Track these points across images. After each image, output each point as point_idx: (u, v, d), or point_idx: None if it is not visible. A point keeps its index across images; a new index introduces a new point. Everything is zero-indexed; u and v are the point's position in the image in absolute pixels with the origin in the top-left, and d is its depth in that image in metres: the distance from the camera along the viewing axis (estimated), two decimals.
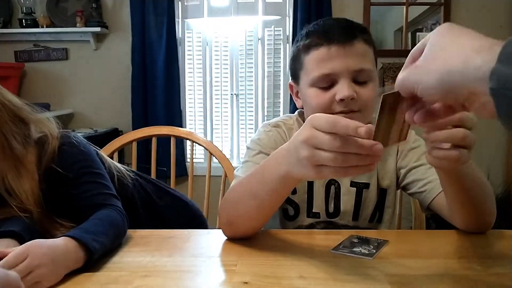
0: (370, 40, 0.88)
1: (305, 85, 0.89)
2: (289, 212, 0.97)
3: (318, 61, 0.85)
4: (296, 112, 1.01)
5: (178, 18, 2.76)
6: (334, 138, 0.53)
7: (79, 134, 0.93)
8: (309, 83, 0.88)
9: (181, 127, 2.63)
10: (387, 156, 0.96)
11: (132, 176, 1.03)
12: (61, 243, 0.65)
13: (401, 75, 0.49)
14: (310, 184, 0.96)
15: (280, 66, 2.81)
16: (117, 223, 0.79)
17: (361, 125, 0.51)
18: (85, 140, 0.92)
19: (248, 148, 0.97)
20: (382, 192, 0.97)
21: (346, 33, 0.84)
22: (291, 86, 0.97)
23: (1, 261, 0.58)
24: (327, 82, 0.85)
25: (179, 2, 2.77)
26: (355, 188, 0.95)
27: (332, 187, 0.95)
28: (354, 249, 0.73)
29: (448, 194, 0.77)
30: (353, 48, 0.83)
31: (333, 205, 0.96)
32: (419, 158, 0.92)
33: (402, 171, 0.95)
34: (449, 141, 0.59)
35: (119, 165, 1.03)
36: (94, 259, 0.67)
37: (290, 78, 0.98)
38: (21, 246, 0.61)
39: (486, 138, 2.73)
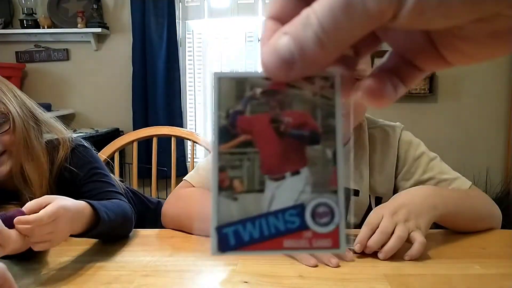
0: None
1: None
2: None
3: None
4: None
5: (179, 19, 2.76)
6: None
7: (80, 134, 0.96)
8: None
9: (182, 127, 2.63)
10: (383, 162, 0.93)
11: (124, 186, 1.06)
12: (82, 204, 0.70)
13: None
14: None
15: None
16: (126, 210, 0.83)
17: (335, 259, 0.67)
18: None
19: None
20: (377, 200, 0.94)
21: None
22: None
23: (26, 205, 0.62)
24: None
25: (180, 3, 2.77)
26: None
27: None
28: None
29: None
30: None
31: None
32: (425, 170, 0.90)
33: (406, 184, 0.91)
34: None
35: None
36: (99, 228, 0.71)
37: None
38: (47, 197, 0.65)
39: (485, 137, 2.73)
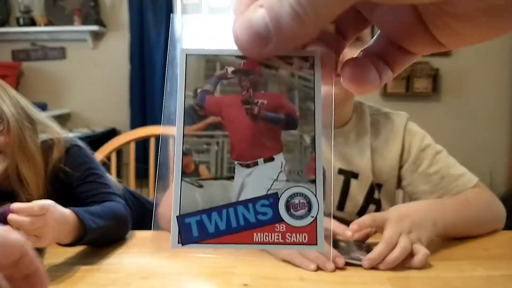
0: None
1: None
2: None
3: None
4: None
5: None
6: None
7: (76, 134, 0.95)
8: None
9: None
10: (386, 149, 0.91)
11: (122, 187, 1.05)
12: (68, 212, 0.69)
13: None
14: None
15: None
16: (119, 213, 0.81)
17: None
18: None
19: None
20: (377, 187, 0.92)
21: None
22: None
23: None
24: None
25: (178, 1, 2.76)
26: (342, 176, 0.90)
27: None
28: (352, 255, 0.71)
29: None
30: None
31: None
32: (431, 162, 0.88)
33: (412, 175, 0.90)
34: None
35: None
36: (88, 237, 0.70)
37: None
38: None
39: (489, 137, 2.73)
